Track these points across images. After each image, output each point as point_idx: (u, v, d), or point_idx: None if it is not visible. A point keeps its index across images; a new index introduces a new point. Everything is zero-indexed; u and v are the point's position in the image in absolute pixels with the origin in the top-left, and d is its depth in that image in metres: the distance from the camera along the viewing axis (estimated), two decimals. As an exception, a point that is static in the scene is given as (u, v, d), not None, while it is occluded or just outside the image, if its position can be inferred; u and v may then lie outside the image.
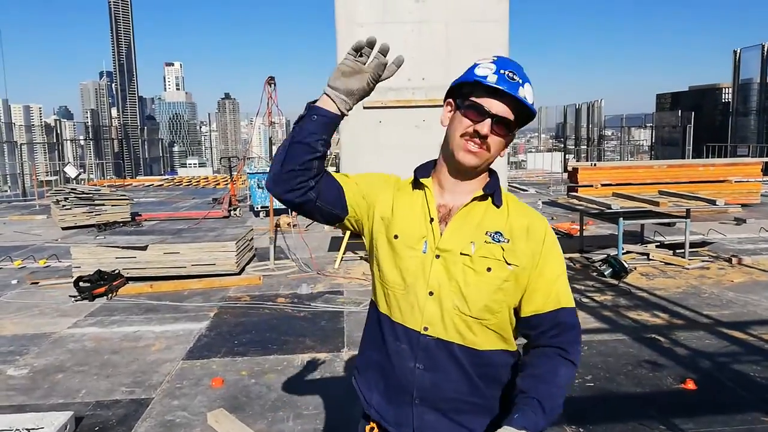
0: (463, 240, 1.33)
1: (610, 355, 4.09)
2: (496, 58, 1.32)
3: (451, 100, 1.37)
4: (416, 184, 1.41)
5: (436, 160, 1.42)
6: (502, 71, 1.28)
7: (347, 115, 1.32)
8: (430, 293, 1.32)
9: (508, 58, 1.34)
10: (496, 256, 1.32)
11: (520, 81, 1.29)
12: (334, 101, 1.28)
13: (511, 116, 1.29)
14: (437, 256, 1.33)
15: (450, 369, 1.34)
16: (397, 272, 1.36)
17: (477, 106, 1.29)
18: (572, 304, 1.37)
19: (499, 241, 1.33)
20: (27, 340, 4.70)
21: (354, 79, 1.27)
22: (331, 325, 4.89)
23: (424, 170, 1.42)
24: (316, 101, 1.31)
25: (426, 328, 1.33)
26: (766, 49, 21.39)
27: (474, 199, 1.36)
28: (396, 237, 1.36)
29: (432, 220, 1.35)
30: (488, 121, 1.28)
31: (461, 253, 1.31)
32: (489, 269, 1.31)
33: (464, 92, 1.32)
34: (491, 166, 1.41)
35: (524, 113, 1.32)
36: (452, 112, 1.35)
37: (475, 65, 1.32)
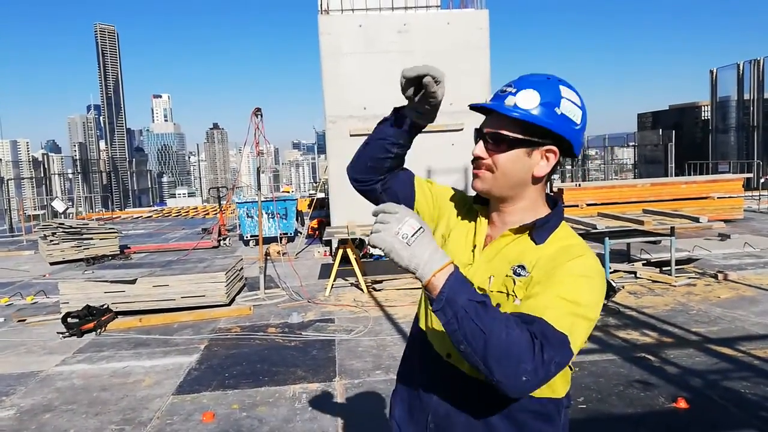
0: (484, 274, 1.24)
1: (601, 376, 4.11)
2: (518, 78, 1.23)
3: None
4: (473, 211, 1.37)
5: None
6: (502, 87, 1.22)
7: (425, 126, 1.33)
8: None
9: (532, 74, 1.23)
10: (508, 290, 1.19)
11: (513, 90, 1.18)
12: (408, 116, 1.31)
13: (505, 131, 1.18)
14: None
15: (465, 404, 1.24)
16: None
17: (475, 130, 1.26)
18: (561, 329, 1.05)
19: (519, 275, 1.19)
20: (13, 379, 4.63)
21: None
22: (323, 354, 4.87)
23: (481, 198, 1.36)
24: (402, 106, 1.32)
25: (449, 355, 1.28)
26: (741, 68, 21.99)
27: (511, 231, 1.25)
28: None
29: (474, 247, 1.30)
30: (480, 142, 1.23)
31: (478, 288, 1.19)
32: (498, 306, 1.18)
33: None
34: (553, 196, 1.34)
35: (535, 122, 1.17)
36: None
37: None
